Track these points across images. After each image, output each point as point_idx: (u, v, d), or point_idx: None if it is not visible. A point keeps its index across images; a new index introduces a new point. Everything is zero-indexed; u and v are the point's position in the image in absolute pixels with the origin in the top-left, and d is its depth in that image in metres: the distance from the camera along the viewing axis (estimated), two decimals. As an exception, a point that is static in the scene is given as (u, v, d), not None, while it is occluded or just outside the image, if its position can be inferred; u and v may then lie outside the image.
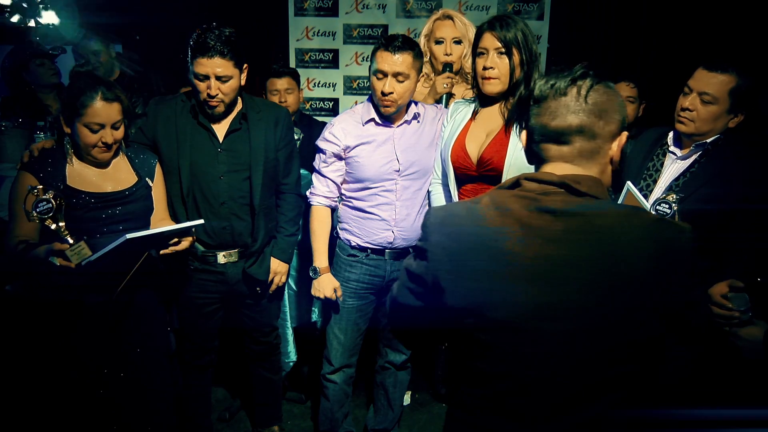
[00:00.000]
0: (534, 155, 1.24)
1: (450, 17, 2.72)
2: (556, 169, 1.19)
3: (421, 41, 2.74)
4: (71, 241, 1.86)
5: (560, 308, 1.10)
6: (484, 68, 2.11)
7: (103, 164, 2.11)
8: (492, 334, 1.15)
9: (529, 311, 1.12)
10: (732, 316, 1.85)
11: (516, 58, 2.08)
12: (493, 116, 2.20)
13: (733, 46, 3.73)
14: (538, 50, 2.17)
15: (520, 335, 1.13)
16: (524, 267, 1.12)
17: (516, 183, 1.21)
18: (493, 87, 2.13)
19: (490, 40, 2.10)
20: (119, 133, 2.05)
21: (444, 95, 2.64)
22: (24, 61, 3.39)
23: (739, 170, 2.02)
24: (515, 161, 2.09)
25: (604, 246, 1.10)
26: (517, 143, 2.10)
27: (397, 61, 2.23)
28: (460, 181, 2.27)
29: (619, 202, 2.00)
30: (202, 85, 2.22)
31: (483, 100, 2.25)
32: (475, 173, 2.20)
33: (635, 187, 2.06)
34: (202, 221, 2.16)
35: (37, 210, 1.83)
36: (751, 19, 3.79)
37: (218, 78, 2.20)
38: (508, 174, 2.11)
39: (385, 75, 2.25)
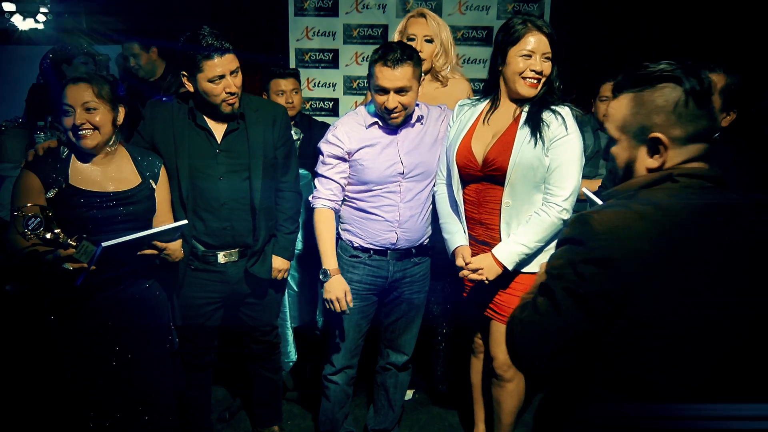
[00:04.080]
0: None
1: (423, 15, 2.73)
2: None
3: (396, 38, 2.74)
4: (74, 244, 1.87)
5: None
6: (532, 71, 2.10)
7: (94, 155, 2.07)
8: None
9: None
10: None
11: (551, 63, 2.11)
12: (504, 117, 2.21)
13: (733, 43, 3.74)
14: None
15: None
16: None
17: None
18: (532, 91, 2.13)
19: (538, 44, 2.09)
20: (93, 116, 2.00)
21: None
22: (71, 55, 3.43)
23: (738, 168, 2.02)
24: (520, 161, 2.11)
25: None
26: (522, 143, 2.11)
27: (397, 76, 2.17)
28: (464, 182, 2.28)
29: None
30: (218, 88, 2.21)
31: (499, 101, 2.25)
32: (480, 173, 2.21)
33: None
34: (186, 221, 2.12)
35: (29, 228, 1.81)
36: (751, 16, 3.80)
37: (232, 73, 2.21)
38: (512, 174, 2.13)
39: (387, 92, 2.21)
